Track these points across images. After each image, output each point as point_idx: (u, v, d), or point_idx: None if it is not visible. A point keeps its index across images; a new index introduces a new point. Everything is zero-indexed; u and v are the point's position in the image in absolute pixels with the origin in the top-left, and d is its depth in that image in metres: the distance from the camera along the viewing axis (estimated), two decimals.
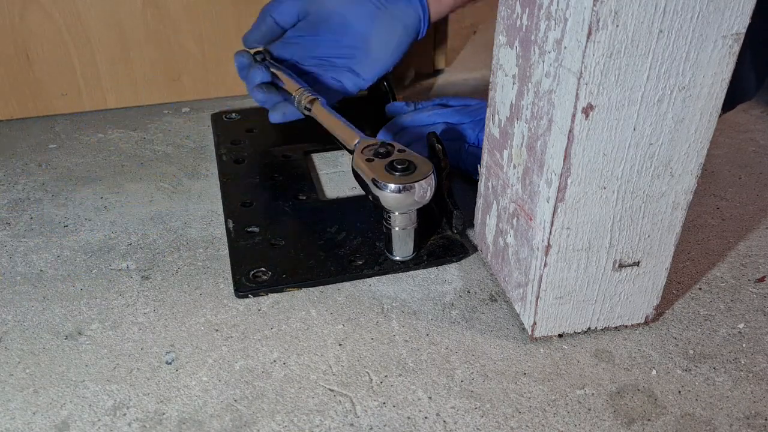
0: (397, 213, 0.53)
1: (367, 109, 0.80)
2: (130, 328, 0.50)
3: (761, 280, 0.56)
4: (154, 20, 0.77)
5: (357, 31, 0.66)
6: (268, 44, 0.69)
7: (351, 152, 0.57)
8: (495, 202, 0.53)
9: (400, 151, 0.54)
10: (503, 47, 0.47)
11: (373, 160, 0.53)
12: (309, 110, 0.64)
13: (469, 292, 0.54)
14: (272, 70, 0.67)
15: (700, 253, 0.59)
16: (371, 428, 0.43)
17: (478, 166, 0.56)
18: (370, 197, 0.52)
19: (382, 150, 0.53)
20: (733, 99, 0.59)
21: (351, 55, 0.67)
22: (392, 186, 0.50)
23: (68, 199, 0.66)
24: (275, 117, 0.67)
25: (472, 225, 0.60)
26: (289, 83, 0.66)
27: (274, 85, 0.67)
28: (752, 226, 0.62)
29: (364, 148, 0.55)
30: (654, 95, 0.39)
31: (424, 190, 0.51)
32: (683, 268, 0.57)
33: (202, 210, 0.64)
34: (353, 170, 0.55)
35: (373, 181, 0.51)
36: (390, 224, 0.54)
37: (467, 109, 0.67)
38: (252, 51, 0.69)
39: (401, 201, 0.51)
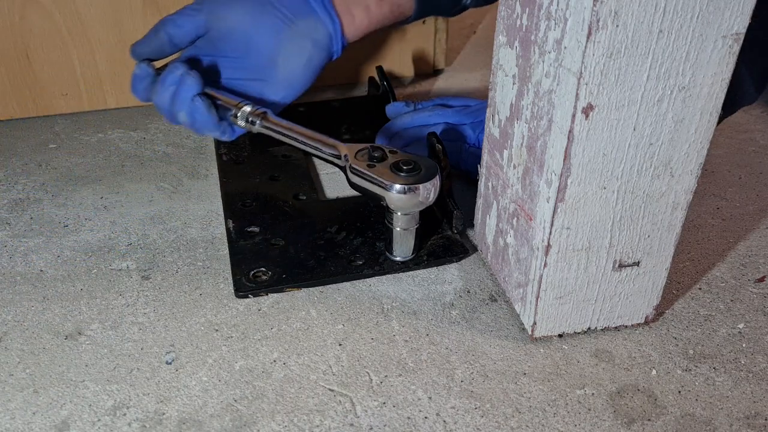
0: (400, 213, 0.53)
1: (367, 109, 0.80)
2: (130, 328, 0.50)
3: (761, 280, 0.56)
4: (154, 20, 0.76)
5: (262, 50, 0.58)
6: (157, 60, 0.61)
7: (332, 160, 0.55)
8: (495, 202, 0.53)
9: (391, 152, 0.53)
10: (503, 47, 0.47)
11: (374, 165, 0.52)
12: (256, 124, 0.57)
13: (469, 292, 0.54)
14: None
15: (700, 253, 0.59)
16: (371, 428, 0.43)
17: (478, 166, 0.56)
18: (371, 202, 0.52)
19: (376, 154, 0.53)
20: (733, 103, 0.59)
21: (257, 77, 0.60)
22: (398, 186, 0.50)
23: (68, 199, 0.66)
24: (228, 134, 0.59)
25: (472, 225, 0.60)
26: (221, 96, 0.58)
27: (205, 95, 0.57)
28: (752, 226, 0.62)
29: (357, 152, 0.54)
30: (654, 95, 0.39)
31: (430, 190, 0.51)
32: (683, 268, 0.57)
33: (202, 210, 0.64)
34: (350, 179, 0.53)
35: (380, 183, 0.51)
36: (392, 224, 0.54)
37: (467, 110, 0.67)
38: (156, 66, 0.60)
39: (407, 201, 0.51)
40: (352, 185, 0.54)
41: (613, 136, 0.40)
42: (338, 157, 0.55)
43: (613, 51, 0.37)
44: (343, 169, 0.54)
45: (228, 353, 0.48)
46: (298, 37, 0.58)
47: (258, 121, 0.57)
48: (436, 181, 0.51)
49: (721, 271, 0.57)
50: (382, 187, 0.51)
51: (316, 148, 0.56)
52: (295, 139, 0.57)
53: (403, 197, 0.51)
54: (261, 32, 0.58)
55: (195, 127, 0.58)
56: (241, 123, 0.57)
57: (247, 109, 0.57)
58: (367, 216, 0.61)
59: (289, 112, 0.80)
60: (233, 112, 0.57)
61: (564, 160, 0.41)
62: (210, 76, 0.59)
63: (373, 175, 0.52)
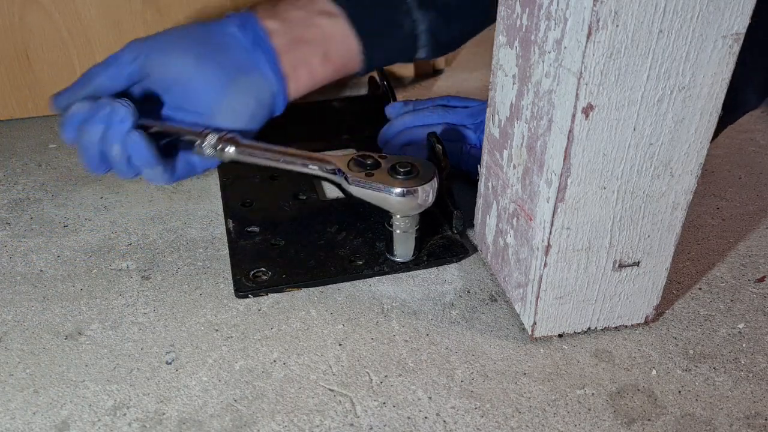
0: (400, 216, 0.53)
1: (368, 109, 0.80)
2: (130, 328, 0.50)
3: (761, 280, 0.56)
4: (154, 20, 0.77)
5: (202, 104, 0.56)
6: None
7: (324, 176, 0.54)
8: (495, 202, 0.53)
9: (381, 157, 0.53)
10: (503, 47, 0.47)
11: (372, 174, 0.52)
12: (227, 150, 0.54)
13: (469, 292, 0.54)
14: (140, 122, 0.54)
15: (700, 253, 0.59)
16: (371, 428, 0.43)
17: (478, 166, 0.56)
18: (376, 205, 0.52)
19: (368, 161, 0.52)
20: (736, 107, 0.59)
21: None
22: (397, 190, 0.50)
23: (68, 199, 0.66)
24: (168, 175, 0.56)
25: (472, 225, 0.60)
26: (176, 128, 0.56)
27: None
28: (752, 226, 0.62)
29: (349, 163, 0.52)
30: (654, 95, 0.39)
31: (428, 193, 0.51)
32: (683, 268, 0.57)
33: (202, 210, 0.64)
34: (350, 191, 0.52)
35: (385, 190, 0.51)
36: (392, 227, 0.54)
37: (468, 110, 0.67)
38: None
39: (405, 204, 0.51)
40: (352, 196, 0.53)
41: (613, 136, 0.40)
42: (333, 171, 0.53)
43: (613, 51, 0.37)
44: (338, 182, 0.53)
45: (228, 353, 0.48)
46: (241, 94, 0.56)
47: (230, 147, 0.53)
48: (434, 183, 0.51)
49: (721, 271, 0.57)
50: (386, 194, 0.51)
51: (303, 165, 0.53)
52: (278, 160, 0.54)
53: (403, 200, 0.51)
54: (201, 87, 0.55)
55: (132, 165, 0.54)
56: (209, 152, 0.54)
57: (214, 135, 0.53)
58: (367, 216, 0.61)
59: (289, 111, 0.80)
60: (197, 141, 0.54)
61: (564, 160, 0.41)
62: (146, 115, 0.55)
63: (377, 184, 0.51)
